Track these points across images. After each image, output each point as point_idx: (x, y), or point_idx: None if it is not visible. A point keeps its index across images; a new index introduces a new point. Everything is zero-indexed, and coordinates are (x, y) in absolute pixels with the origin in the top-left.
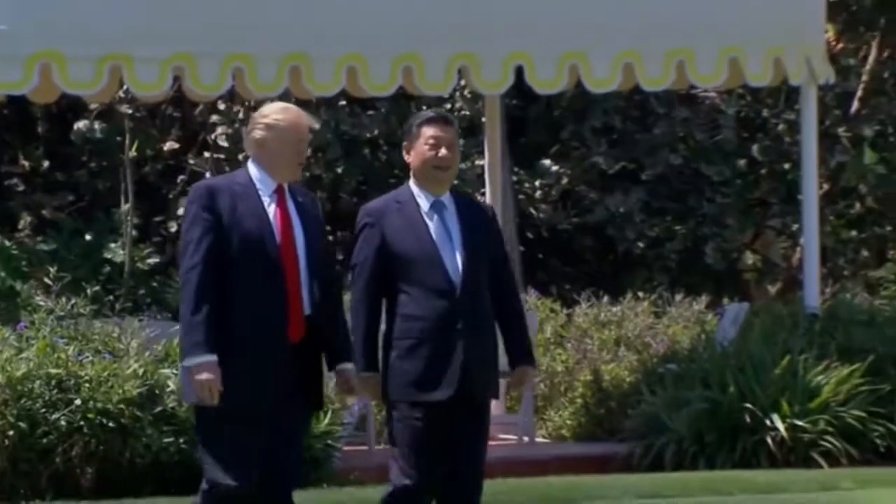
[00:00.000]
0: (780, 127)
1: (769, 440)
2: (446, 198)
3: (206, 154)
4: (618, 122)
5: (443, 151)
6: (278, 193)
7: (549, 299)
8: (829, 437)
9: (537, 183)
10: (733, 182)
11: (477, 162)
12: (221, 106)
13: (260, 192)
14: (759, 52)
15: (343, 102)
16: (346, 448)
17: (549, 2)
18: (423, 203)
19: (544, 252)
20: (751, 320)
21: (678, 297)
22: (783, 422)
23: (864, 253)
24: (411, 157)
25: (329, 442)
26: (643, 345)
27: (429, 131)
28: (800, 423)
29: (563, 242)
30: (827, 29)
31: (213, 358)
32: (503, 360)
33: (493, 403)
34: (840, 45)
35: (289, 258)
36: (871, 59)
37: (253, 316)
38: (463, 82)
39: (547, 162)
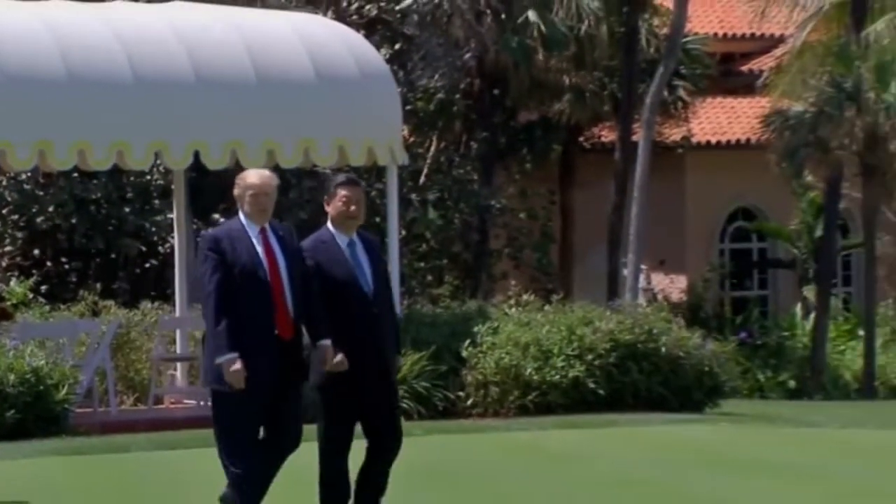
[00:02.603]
0: (374, 193)
1: None
2: (355, 236)
3: None
4: None
5: (352, 207)
6: (262, 233)
7: None
8: (406, 401)
9: None
10: None
11: (168, 215)
12: None
13: (249, 234)
14: (359, 143)
15: (76, 174)
16: (77, 410)
17: (215, 107)
18: (341, 241)
19: None
20: None
21: None
22: None
23: (429, 277)
24: (330, 209)
25: (66, 406)
26: None
27: (342, 191)
28: None
29: None
30: (403, 128)
31: (236, 354)
32: None
33: (182, 377)
34: (412, 139)
35: (275, 280)
36: (432, 148)
37: (254, 324)
38: (159, 161)
39: (217, 215)
